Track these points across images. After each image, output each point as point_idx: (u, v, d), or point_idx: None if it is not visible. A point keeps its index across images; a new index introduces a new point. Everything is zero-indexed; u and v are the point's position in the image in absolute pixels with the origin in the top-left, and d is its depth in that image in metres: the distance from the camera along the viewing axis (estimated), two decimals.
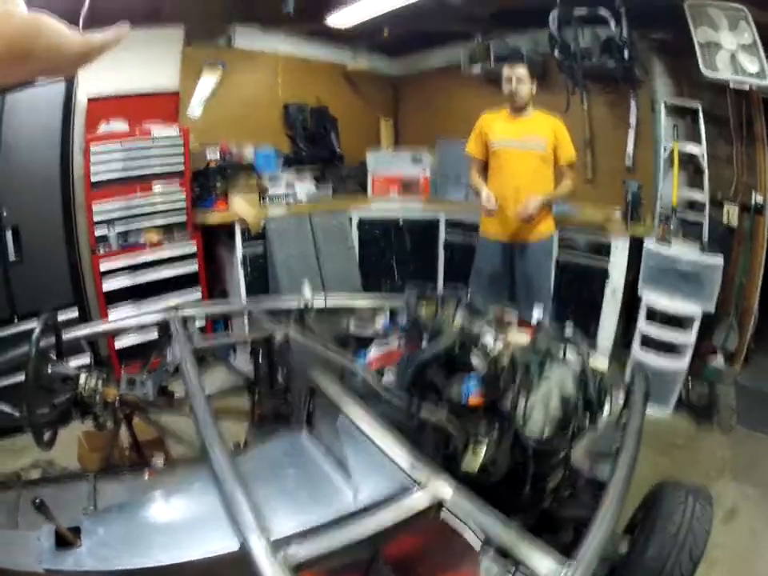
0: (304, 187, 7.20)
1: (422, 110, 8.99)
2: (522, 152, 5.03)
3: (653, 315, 5.43)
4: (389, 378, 2.17)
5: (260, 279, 6.42)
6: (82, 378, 2.60)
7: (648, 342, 5.42)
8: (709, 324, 5.46)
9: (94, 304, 5.72)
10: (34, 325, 2.57)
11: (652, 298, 5.37)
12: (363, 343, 2.77)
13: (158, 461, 3.16)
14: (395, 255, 7.37)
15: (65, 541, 1.83)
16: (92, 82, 5.96)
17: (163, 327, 3.02)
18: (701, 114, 5.64)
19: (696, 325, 5.26)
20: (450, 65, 8.04)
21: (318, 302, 3.05)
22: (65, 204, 5.41)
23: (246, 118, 7.59)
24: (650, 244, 5.45)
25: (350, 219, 7.25)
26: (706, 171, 5.65)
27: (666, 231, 5.59)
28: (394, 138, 9.36)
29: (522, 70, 4.98)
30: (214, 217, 6.22)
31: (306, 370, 2.28)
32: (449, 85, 8.28)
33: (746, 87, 5.16)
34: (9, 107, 5.12)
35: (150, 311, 3.42)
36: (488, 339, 2.16)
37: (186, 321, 2.98)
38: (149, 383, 2.73)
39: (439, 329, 2.34)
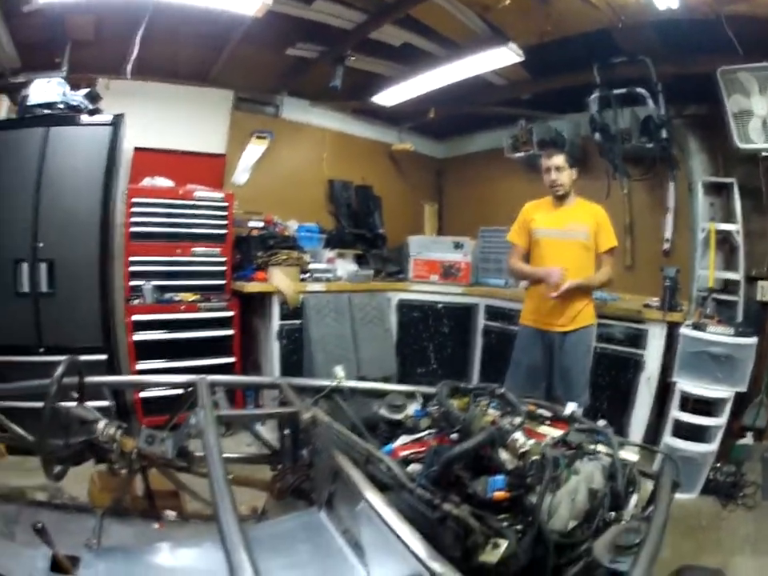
0: (345, 266, 7.19)
1: (465, 195, 9.11)
2: (564, 241, 4.93)
3: (685, 401, 5.27)
4: (414, 467, 2.15)
5: (294, 353, 6.38)
6: (101, 424, 2.55)
7: (680, 429, 5.26)
8: (738, 403, 5.31)
9: (123, 352, 5.70)
10: (59, 358, 2.55)
11: (687, 384, 5.20)
12: (392, 426, 2.79)
13: (171, 514, 3.11)
14: (432, 339, 7.36)
15: (60, 567, 1.80)
16: (139, 132, 6.08)
17: (189, 389, 2.99)
18: (735, 190, 5.60)
19: (728, 407, 5.12)
20: (493, 148, 8.14)
21: (350, 384, 3.04)
22: (102, 248, 5.41)
23: (291, 191, 7.70)
24: (686, 330, 5.25)
25: (389, 301, 7.22)
26: (741, 248, 5.59)
27: (702, 315, 5.48)
28: (437, 224, 9.46)
29: (559, 159, 4.92)
30: (253, 286, 6.25)
31: (330, 452, 2.25)
32: (492, 169, 8.39)
33: None
34: (53, 140, 5.26)
35: (178, 375, 3.39)
36: (518, 435, 2.14)
37: (213, 387, 2.96)
38: (169, 442, 2.60)
39: (470, 423, 2.32)
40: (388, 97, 7.25)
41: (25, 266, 5.18)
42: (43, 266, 5.21)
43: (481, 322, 7.16)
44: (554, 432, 2.50)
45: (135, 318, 5.66)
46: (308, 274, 6.62)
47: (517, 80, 6.81)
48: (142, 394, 5.45)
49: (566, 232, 4.91)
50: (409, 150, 8.76)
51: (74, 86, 5.61)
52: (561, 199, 4.99)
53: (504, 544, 1.81)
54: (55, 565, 1.84)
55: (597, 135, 6.30)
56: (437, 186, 9.72)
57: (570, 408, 2.69)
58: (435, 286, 7.42)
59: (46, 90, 5.40)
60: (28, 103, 5.36)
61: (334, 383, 3.03)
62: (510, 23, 5.37)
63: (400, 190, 9.06)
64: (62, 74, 5.64)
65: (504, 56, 5.70)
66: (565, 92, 6.53)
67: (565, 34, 5.41)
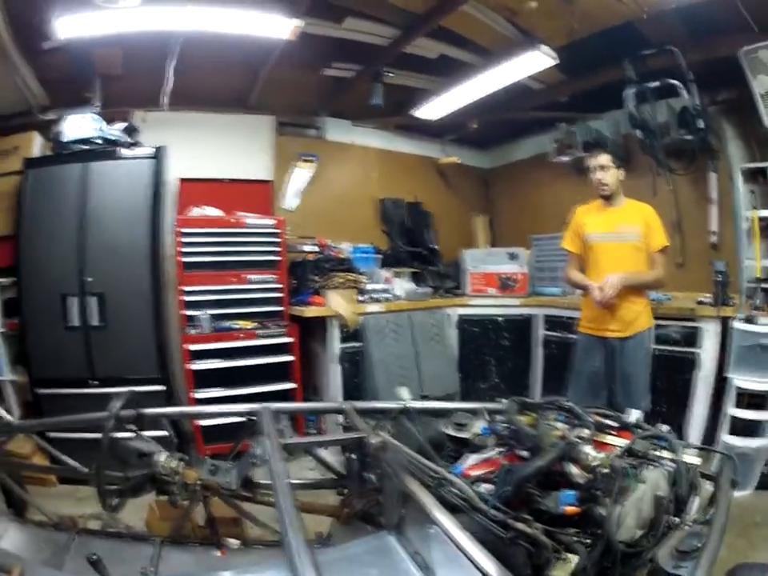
0: (402, 285, 7.17)
1: (515, 204, 9.06)
2: (617, 244, 4.87)
3: (740, 397, 5.16)
4: (485, 487, 2.15)
5: (355, 376, 6.35)
6: (162, 457, 2.56)
7: (735, 425, 5.15)
8: None
9: (180, 381, 5.78)
10: (112, 390, 2.53)
11: (741, 380, 5.10)
12: (458, 444, 2.78)
13: (234, 541, 3.11)
14: (494, 353, 7.29)
15: None
16: (183, 163, 6.19)
17: (252, 418, 2.99)
18: None
19: None
20: (538, 154, 8.15)
21: (416, 406, 3.03)
22: (154, 280, 5.50)
23: (342, 212, 7.72)
24: (737, 324, 5.15)
25: (449, 317, 7.18)
26: None
27: (752, 307, 5.39)
28: (490, 236, 9.37)
29: (604, 158, 4.90)
30: (311, 311, 6.23)
31: (400, 476, 2.26)
32: (539, 175, 8.36)
33: None
34: (93, 175, 5.39)
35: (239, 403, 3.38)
36: (588, 448, 2.14)
37: (277, 415, 2.95)
38: (233, 472, 2.67)
39: (540, 440, 2.31)
40: (430, 110, 7.24)
41: (74, 301, 5.31)
42: (93, 300, 5.33)
43: (540, 332, 7.05)
44: (619, 441, 2.46)
45: (192, 347, 5.69)
46: (366, 296, 6.61)
47: (553, 83, 6.78)
48: (202, 423, 5.47)
49: (618, 235, 4.86)
50: (455, 162, 8.75)
51: (109, 121, 5.75)
52: (609, 200, 4.95)
53: (574, 559, 1.81)
54: None
55: (637, 132, 6.27)
56: (485, 196, 9.68)
57: (634, 415, 2.66)
58: (493, 299, 7.38)
59: (81, 125, 5.53)
60: (63, 140, 5.48)
61: (401, 406, 3.03)
62: (537, 25, 5.38)
63: (450, 203, 9.03)
64: (94, 109, 5.77)
65: (538, 59, 5.69)
66: (601, 90, 6.51)
67: (592, 31, 5.40)
